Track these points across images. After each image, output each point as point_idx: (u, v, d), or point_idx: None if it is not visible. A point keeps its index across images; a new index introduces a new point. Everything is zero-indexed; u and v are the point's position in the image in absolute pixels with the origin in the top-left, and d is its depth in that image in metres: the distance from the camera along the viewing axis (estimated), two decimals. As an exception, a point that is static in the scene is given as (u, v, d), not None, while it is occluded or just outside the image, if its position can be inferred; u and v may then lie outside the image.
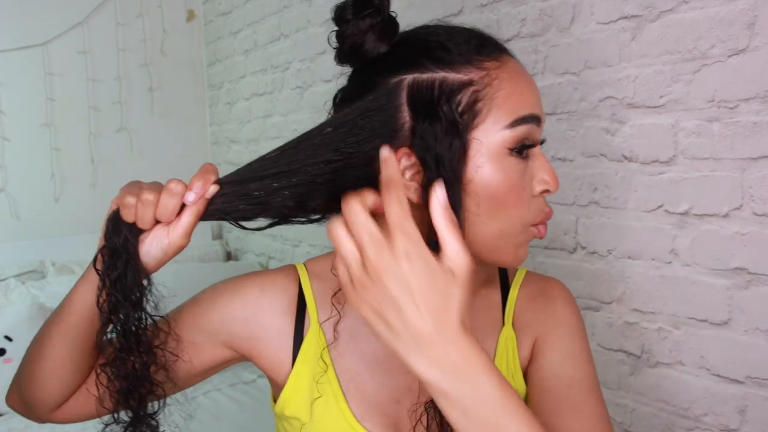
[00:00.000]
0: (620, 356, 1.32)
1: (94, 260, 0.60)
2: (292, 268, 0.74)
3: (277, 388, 0.72)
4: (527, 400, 0.71)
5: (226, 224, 3.04)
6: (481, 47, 0.61)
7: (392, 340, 0.51)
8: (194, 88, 3.04)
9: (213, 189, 0.58)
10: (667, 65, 1.18)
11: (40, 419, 0.70)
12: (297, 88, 2.36)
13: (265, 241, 2.67)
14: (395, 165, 0.55)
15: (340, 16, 0.62)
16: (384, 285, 0.50)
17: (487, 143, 0.59)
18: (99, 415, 0.68)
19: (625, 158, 1.27)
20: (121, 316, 0.59)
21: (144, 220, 0.58)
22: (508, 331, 0.72)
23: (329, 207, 0.61)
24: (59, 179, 2.69)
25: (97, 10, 2.74)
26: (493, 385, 0.50)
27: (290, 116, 2.42)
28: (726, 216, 1.11)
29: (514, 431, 0.49)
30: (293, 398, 0.69)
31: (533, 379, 0.71)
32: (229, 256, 2.92)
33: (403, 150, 0.59)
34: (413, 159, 0.59)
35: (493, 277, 0.75)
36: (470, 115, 0.59)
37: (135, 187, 0.59)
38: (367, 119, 0.58)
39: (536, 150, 0.63)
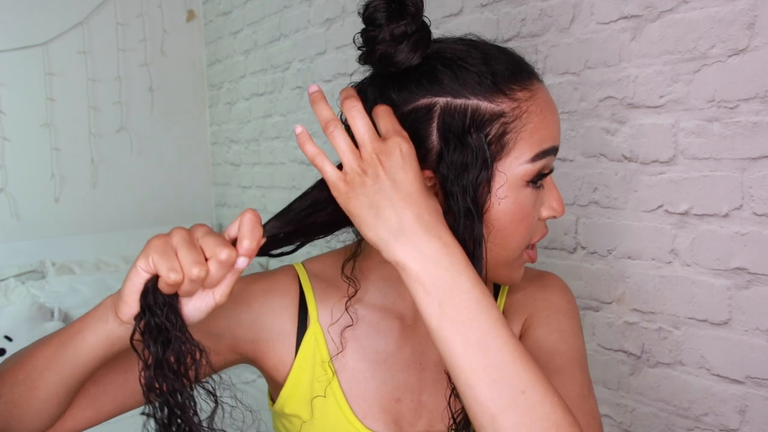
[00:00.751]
0: (620, 356, 1.32)
1: (132, 335, 0.52)
2: (291, 268, 0.74)
3: (276, 387, 0.72)
4: None
5: (225, 224, 3.04)
6: (515, 75, 0.60)
7: (382, 229, 0.54)
8: (194, 88, 3.04)
9: (262, 242, 0.55)
10: (667, 65, 1.18)
11: None
12: (297, 88, 2.36)
13: (265, 241, 2.67)
14: (355, 97, 0.57)
15: (370, 17, 0.58)
16: (380, 175, 0.54)
17: (509, 176, 0.59)
18: (89, 427, 0.67)
19: (625, 158, 1.26)
20: (170, 396, 0.52)
21: (191, 294, 0.53)
22: None
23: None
24: (59, 179, 2.69)
25: (97, 10, 2.74)
26: (470, 277, 0.53)
27: (290, 116, 2.42)
28: (726, 216, 1.11)
29: (486, 329, 0.51)
30: (293, 396, 0.70)
31: None
32: (229, 256, 2.92)
33: (427, 173, 0.60)
34: (434, 182, 0.60)
35: None
36: (497, 147, 0.59)
37: (170, 256, 0.50)
38: None
39: (549, 177, 0.63)
